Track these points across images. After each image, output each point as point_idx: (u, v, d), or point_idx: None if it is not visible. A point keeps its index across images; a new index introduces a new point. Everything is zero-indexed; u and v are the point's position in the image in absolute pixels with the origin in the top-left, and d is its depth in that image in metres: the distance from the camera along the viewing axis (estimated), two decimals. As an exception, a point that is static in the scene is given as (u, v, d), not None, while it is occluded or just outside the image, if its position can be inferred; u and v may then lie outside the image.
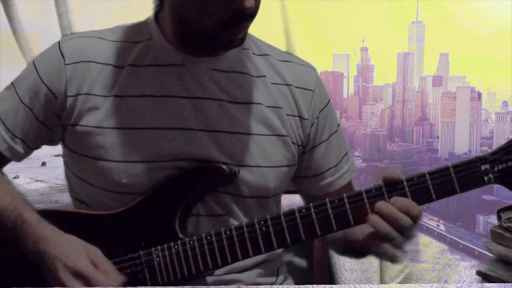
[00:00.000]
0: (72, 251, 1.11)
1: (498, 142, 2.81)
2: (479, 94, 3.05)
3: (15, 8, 2.60)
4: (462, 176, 1.02)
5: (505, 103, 2.95)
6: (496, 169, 1.02)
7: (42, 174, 3.02)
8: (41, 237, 1.12)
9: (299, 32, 2.67)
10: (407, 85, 3.13)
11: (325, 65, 3.07)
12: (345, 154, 1.33)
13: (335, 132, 1.31)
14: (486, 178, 1.02)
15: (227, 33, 1.12)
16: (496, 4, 2.81)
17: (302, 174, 1.31)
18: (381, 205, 1.05)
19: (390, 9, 2.90)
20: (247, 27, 1.14)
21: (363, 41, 3.03)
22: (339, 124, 1.33)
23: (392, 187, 1.06)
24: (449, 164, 1.03)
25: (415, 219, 1.05)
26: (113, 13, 2.65)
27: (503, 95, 2.98)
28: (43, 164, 2.99)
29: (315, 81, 1.30)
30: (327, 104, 1.31)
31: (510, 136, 2.86)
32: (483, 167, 1.02)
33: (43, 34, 2.74)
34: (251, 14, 1.10)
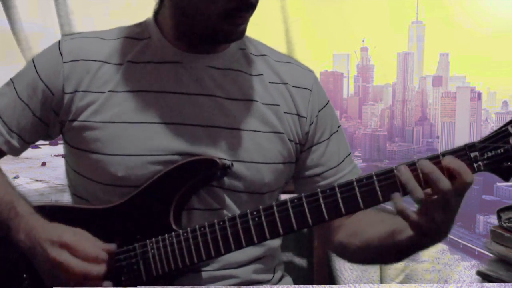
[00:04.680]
0: (59, 230, 1.13)
1: (498, 142, 2.80)
2: (479, 94, 3.04)
3: (15, 8, 2.60)
4: None
5: (505, 103, 2.95)
6: (485, 156, 1.01)
7: (42, 174, 3.02)
8: (33, 227, 1.15)
9: (299, 32, 2.67)
10: (407, 85, 3.13)
11: (325, 65, 3.07)
12: (347, 156, 1.33)
13: (335, 132, 1.31)
14: (475, 166, 1.02)
15: (229, 23, 1.14)
16: (496, 4, 2.81)
17: (302, 174, 1.31)
18: (423, 163, 1.02)
19: (390, 9, 2.90)
20: (248, 17, 1.15)
21: (363, 41, 3.02)
22: (340, 126, 1.33)
23: (382, 175, 1.07)
24: (439, 152, 1.04)
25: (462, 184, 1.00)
26: (113, 13, 2.65)
27: (503, 95, 2.98)
28: (43, 164, 2.99)
29: (312, 81, 1.30)
30: (326, 104, 1.31)
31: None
32: (472, 155, 1.02)
33: (43, 34, 2.74)
34: (253, 4, 1.12)
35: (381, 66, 3.15)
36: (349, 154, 1.34)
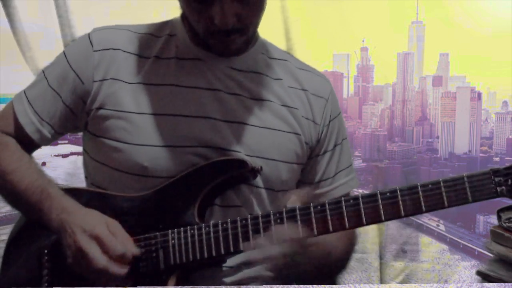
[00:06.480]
0: (92, 219, 1.15)
1: (498, 142, 2.81)
2: (479, 94, 3.04)
3: (15, 8, 2.60)
4: (476, 186, 1.04)
5: (505, 103, 2.95)
6: (509, 182, 1.03)
7: (42, 174, 3.01)
8: (64, 208, 1.17)
9: (299, 32, 2.68)
10: (407, 85, 3.13)
11: (325, 65, 3.07)
12: (346, 168, 1.35)
13: (339, 144, 1.34)
14: (499, 190, 1.04)
15: (216, 42, 1.17)
16: (496, 4, 2.82)
17: (302, 179, 1.33)
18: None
19: (390, 9, 2.90)
20: (236, 40, 1.18)
21: (363, 41, 3.03)
22: (345, 138, 1.36)
23: (406, 191, 1.08)
24: (464, 174, 1.05)
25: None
26: (113, 13, 2.65)
27: (503, 95, 2.98)
28: (43, 164, 2.99)
29: (329, 91, 1.34)
30: (337, 115, 1.34)
31: None
32: (496, 179, 1.04)
33: (43, 34, 2.74)
34: (237, 29, 1.14)
35: (381, 66, 3.15)
36: (349, 166, 1.36)
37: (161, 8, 2.03)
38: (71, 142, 2.80)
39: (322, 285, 1.00)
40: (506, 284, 0.95)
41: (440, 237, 3.02)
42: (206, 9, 1.11)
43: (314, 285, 0.98)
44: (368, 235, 2.80)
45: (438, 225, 3.02)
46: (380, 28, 2.90)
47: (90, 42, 1.25)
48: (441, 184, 1.05)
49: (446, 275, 2.88)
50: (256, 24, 1.21)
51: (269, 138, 1.25)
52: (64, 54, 1.28)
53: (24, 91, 1.30)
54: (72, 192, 1.23)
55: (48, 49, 2.67)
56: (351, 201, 1.09)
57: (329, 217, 1.09)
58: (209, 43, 1.20)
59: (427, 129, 3.14)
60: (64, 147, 2.79)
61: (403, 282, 2.70)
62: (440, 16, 2.92)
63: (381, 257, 2.79)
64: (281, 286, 1.32)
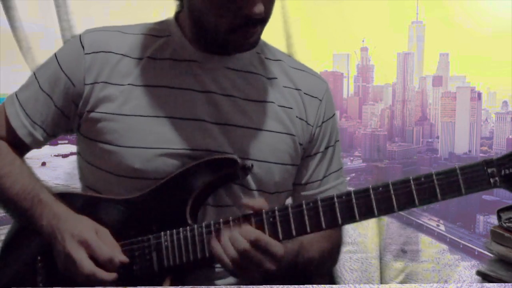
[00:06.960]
0: (82, 225, 1.15)
1: (498, 142, 2.81)
2: (479, 94, 3.04)
3: (15, 8, 2.60)
4: (469, 178, 1.03)
5: (505, 103, 2.94)
6: (502, 173, 1.02)
7: (42, 174, 3.01)
8: (55, 214, 1.17)
9: (299, 32, 2.67)
10: (407, 85, 3.13)
11: (325, 65, 3.06)
12: (336, 171, 1.34)
13: (331, 146, 1.33)
14: (492, 181, 1.03)
15: (237, 36, 1.16)
16: (496, 4, 2.82)
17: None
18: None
19: (390, 9, 2.90)
20: (258, 31, 1.18)
21: (363, 41, 3.02)
22: (338, 140, 1.35)
23: (400, 185, 1.07)
24: (456, 166, 1.04)
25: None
26: (113, 13, 2.65)
27: (503, 95, 2.97)
28: (43, 164, 2.99)
29: (324, 92, 1.33)
30: (331, 117, 1.34)
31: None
32: (489, 170, 1.03)
33: (43, 34, 2.74)
34: (261, 20, 1.13)
35: (381, 66, 3.15)
36: (339, 170, 1.35)
37: (161, 8, 2.03)
38: (71, 142, 2.80)
39: (322, 285, 1.00)
40: (506, 284, 0.95)
41: (440, 237, 3.02)
42: (233, 1, 1.10)
43: (314, 285, 0.98)
44: (368, 235, 2.80)
45: (438, 225, 3.02)
46: (380, 28, 2.90)
47: (82, 44, 1.24)
48: (434, 177, 1.04)
49: (446, 275, 2.88)
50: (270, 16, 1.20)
51: (262, 140, 1.24)
52: (56, 56, 1.27)
53: (16, 94, 1.30)
54: (65, 196, 1.23)
55: (48, 49, 2.66)
56: (343, 197, 1.09)
57: (321, 214, 1.09)
58: (228, 40, 1.18)
59: (427, 129, 3.14)
60: (64, 147, 2.79)
61: (403, 282, 2.71)
62: (440, 16, 2.92)
63: (381, 257, 2.79)
64: (281, 286, 1.32)
